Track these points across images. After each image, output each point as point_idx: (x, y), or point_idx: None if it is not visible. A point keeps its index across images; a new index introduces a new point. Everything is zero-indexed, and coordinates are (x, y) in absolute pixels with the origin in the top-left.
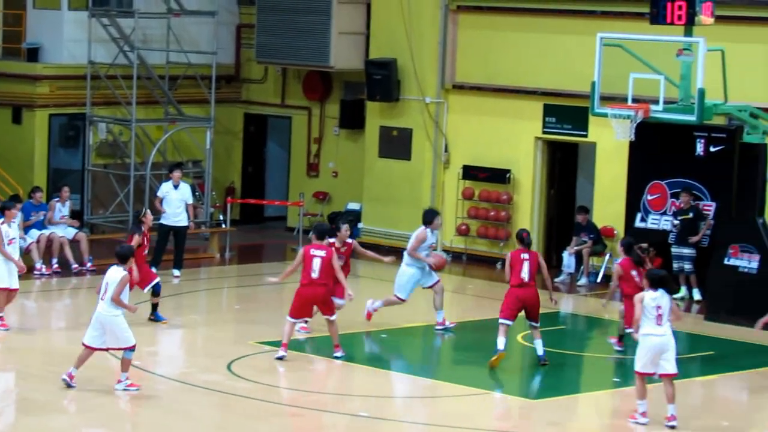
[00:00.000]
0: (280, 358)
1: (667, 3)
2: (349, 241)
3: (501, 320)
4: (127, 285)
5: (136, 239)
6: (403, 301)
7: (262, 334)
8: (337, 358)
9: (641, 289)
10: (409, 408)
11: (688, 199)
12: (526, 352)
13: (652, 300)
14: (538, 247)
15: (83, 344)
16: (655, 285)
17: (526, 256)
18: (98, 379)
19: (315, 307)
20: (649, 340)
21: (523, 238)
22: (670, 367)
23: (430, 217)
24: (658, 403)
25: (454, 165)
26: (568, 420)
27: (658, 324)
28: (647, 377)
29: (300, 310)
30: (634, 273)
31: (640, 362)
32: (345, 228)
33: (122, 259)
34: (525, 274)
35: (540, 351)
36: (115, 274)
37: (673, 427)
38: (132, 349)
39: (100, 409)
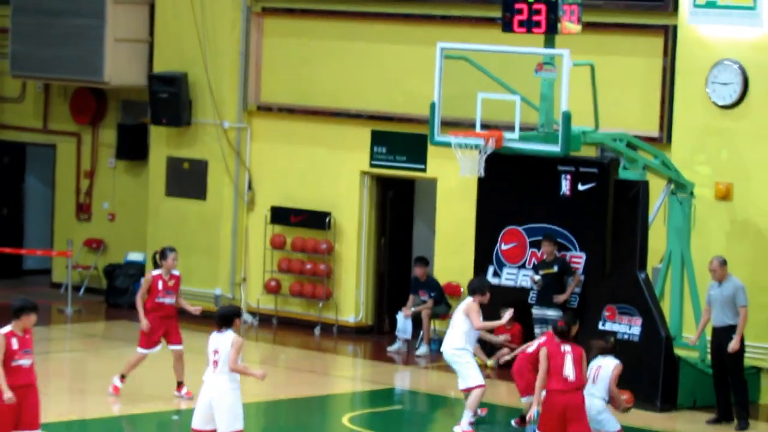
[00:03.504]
0: None
1: (522, 6)
2: (176, 273)
3: None
4: None
5: None
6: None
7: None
8: None
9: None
10: None
11: (552, 248)
12: None
13: (212, 342)
14: (365, 309)
15: None
16: (220, 324)
17: (567, 348)
18: None
19: None
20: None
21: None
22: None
23: (481, 286)
24: None
25: (261, 206)
26: None
27: (213, 370)
28: None
29: None
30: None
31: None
32: (173, 257)
33: None
34: (569, 371)
35: None
36: None
37: None
38: None
39: None
